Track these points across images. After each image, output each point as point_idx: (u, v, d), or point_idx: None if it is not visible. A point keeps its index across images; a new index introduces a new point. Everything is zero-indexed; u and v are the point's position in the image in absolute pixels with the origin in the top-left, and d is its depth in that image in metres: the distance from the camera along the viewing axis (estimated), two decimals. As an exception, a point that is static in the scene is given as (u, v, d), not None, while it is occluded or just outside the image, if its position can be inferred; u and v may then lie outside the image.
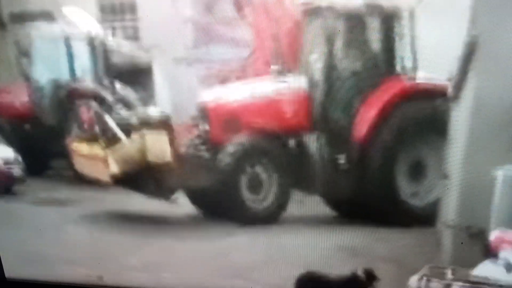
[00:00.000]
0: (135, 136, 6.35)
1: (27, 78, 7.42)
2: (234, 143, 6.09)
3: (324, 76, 5.98)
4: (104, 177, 6.34)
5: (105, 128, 6.50)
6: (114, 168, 6.28)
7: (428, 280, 4.37)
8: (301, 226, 5.85)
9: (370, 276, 4.69)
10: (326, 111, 5.98)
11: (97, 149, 6.49)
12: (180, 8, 5.94)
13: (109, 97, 6.84)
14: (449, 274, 4.43)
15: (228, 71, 6.06)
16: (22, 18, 7.12)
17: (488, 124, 4.69)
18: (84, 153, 6.62)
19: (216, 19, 6.00)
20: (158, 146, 6.19)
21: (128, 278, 5.57)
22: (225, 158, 6.08)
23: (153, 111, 6.43)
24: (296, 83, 6.04)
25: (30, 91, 7.42)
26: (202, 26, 6.03)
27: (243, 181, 6.13)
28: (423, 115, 5.74)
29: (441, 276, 4.41)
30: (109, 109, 6.70)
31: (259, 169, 6.15)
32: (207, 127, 6.24)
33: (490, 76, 4.64)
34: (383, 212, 5.77)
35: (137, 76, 6.60)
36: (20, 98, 7.50)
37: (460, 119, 4.97)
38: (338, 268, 4.88)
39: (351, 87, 5.94)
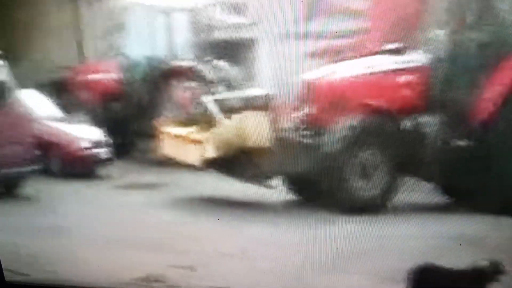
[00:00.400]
0: (234, 118, 5.90)
1: (118, 54, 7.18)
2: (344, 126, 5.55)
3: (448, 52, 5.39)
4: (198, 161, 5.93)
5: (203, 110, 6.11)
6: (210, 151, 5.85)
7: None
8: (411, 215, 5.29)
9: (497, 269, 4.10)
10: (448, 89, 5.38)
11: (192, 132, 6.09)
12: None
13: (209, 77, 6.46)
14: None
15: (340, 47, 5.55)
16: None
17: None
18: (176, 135, 6.22)
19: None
20: (258, 129, 5.74)
21: (221, 268, 5.11)
22: (334, 142, 5.55)
23: (255, 92, 5.99)
24: (415, 60, 5.50)
25: (122, 67, 7.15)
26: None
27: (351, 166, 5.59)
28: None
29: None
30: (208, 88, 6.30)
31: (369, 153, 5.60)
32: (312, 108, 5.74)
33: None
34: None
35: (240, 53, 6.18)
36: (110, 75, 7.26)
37: None
38: (453, 260, 4.32)
39: (477, 63, 5.34)
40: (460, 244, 4.71)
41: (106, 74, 7.26)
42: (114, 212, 6.08)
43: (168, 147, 6.28)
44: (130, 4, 6.99)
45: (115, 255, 5.15)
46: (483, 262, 4.09)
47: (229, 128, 5.88)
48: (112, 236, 5.70)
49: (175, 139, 6.20)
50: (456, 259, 4.30)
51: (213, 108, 6.02)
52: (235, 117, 5.88)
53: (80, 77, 7.31)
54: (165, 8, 6.87)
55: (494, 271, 4.07)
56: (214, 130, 5.94)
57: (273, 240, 5.33)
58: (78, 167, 6.85)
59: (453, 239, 4.84)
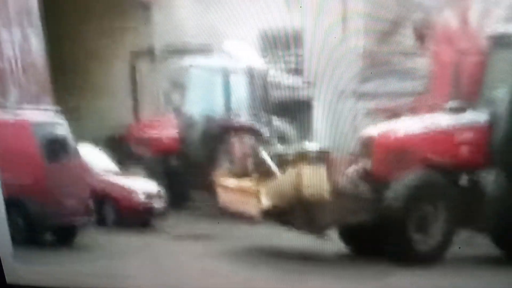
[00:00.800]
0: (290, 171, 6.16)
1: (177, 111, 7.46)
2: (404, 180, 5.79)
3: (509, 110, 5.69)
4: (254, 211, 6.14)
5: (259, 163, 6.37)
6: (266, 202, 6.09)
7: None
8: (468, 268, 5.46)
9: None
10: (508, 147, 5.67)
11: (248, 184, 6.32)
12: (351, 39, 5.85)
13: (265, 132, 6.73)
14: None
15: (399, 105, 5.86)
16: (178, 51, 7.23)
17: None
18: (233, 187, 6.46)
19: (391, 50, 5.86)
20: (314, 181, 5.97)
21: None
22: (393, 195, 5.78)
23: (311, 146, 6.26)
24: (475, 117, 5.77)
25: (180, 125, 7.44)
26: (374, 57, 5.89)
27: (410, 219, 5.80)
28: None
29: None
30: (264, 144, 6.58)
31: (428, 207, 5.81)
32: (369, 162, 6.00)
33: None
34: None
35: (296, 110, 6.46)
36: (168, 132, 7.53)
37: None
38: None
39: None
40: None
41: (165, 131, 7.52)
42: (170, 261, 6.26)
43: (225, 199, 6.47)
44: (190, 66, 7.31)
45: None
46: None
47: (284, 179, 6.13)
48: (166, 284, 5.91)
49: (233, 191, 6.42)
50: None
51: (269, 161, 6.29)
52: (291, 169, 6.13)
53: (139, 134, 7.59)
54: (223, 69, 7.20)
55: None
56: (268, 181, 6.18)
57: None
58: (134, 218, 7.07)
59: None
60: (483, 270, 5.45)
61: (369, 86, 5.93)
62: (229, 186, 6.49)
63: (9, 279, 6.14)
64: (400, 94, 5.81)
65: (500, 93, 5.67)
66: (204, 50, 7.05)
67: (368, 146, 5.99)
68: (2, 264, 6.17)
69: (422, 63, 5.76)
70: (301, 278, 5.75)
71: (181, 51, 7.27)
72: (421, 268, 5.61)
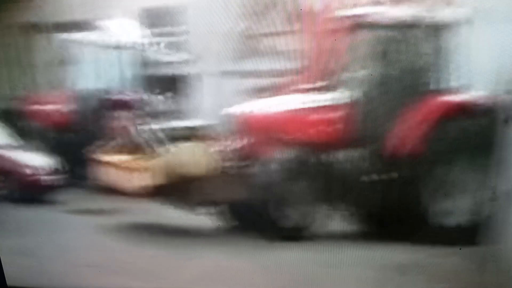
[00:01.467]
0: (170, 148, 6.25)
1: (70, 86, 7.44)
2: (269, 159, 5.95)
3: (366, 92, 5.80)
4: (135, 188, 6.27)
5: (141, 140, 6.44)
6: (147, 179, 6.21)
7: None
8: (336, 243, 5.70)
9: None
10: (365, 127, 5.80)
11: (129, 161, 6.43)
12: (228, 19, 5.83)
13: (147, 108, 6.77)
14: None
15: (271, 85, 5.92)
16: (61, 26, 7.14)
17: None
18: (118, 164, 6.54)
19: (263, 31, 5.87)
20: (193, 159, 6.09)
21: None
22: (260, 173, 5.94)
23: (190, 123, 6.33)
24: (337, 98, 5.88)
25: (67, 100, 7.42)
26: (248, 37, 5.91)
27: (275, 196, 5.98)
28: (465, 134, 5.54)
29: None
30: (146, 120, 6.63)
31: (292, 185, 5.99)
32: (241, 140, 6.11)
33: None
34: (410, 228, 5.59)
35: (177, 88, 6.50)
36: (57, 107, 7.52)
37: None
38: None
39: (393, 103, 5.74)
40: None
41: (53, 105, 7.51)
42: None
43: (107, 175, 6.62)
44: (77, 39, 7.23)
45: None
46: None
47: (164, 157, 6.27)
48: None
49: (114, 167, 6.53)
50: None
51: (152, 139, 6.37)
52: (171, 147, 6.25)
53: (30, 107, 7.56)
54: (109, 44, 7.13)
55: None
56: (149, 159, 6.33)
57: (216, 268, 5.67)
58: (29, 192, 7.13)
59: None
60: (351, 245, 5.63)
61: (245, 66, 5.95)
62: (114, 163, 6.58)
63: None
64: (272, 73, 5.85)
65: (357, 75, 5.77)
66: (86, 25, 6.99)
67: (239, 124, 6.08)
68: None
69: (293, 44, 5.79)
70: (187, 254, 5.98)
71: (64, 26, 7.19)
72: (299, 243, 5.82)
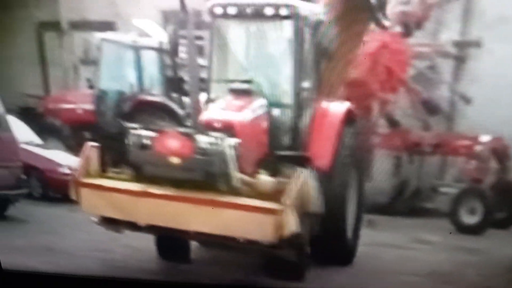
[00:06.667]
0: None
1: (91, 86, 7.44)
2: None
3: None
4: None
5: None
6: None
7: None
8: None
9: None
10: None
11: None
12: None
13: (178, 110, 6.82)
14: None
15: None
16: (83, 26, 7.09)
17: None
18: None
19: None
20: None
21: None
22: None
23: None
24: None
25: (93, 98, 7.47)
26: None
27: None
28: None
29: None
30: (177, 122, 6.68)
31: None
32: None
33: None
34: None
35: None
36: (83, 105, 7.56)
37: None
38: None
39: None
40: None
41: (77, 104, 7.53)
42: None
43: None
44: (102, 42, 7.22)
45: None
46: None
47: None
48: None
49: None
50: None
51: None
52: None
53: (53, 106, 7.58)
54: (135, 47, 7.21)
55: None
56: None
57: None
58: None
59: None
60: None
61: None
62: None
63: None
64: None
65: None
66: (113, 26, 6.96)
67: None
68: None
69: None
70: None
71: (89, 25, 7.15)
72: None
